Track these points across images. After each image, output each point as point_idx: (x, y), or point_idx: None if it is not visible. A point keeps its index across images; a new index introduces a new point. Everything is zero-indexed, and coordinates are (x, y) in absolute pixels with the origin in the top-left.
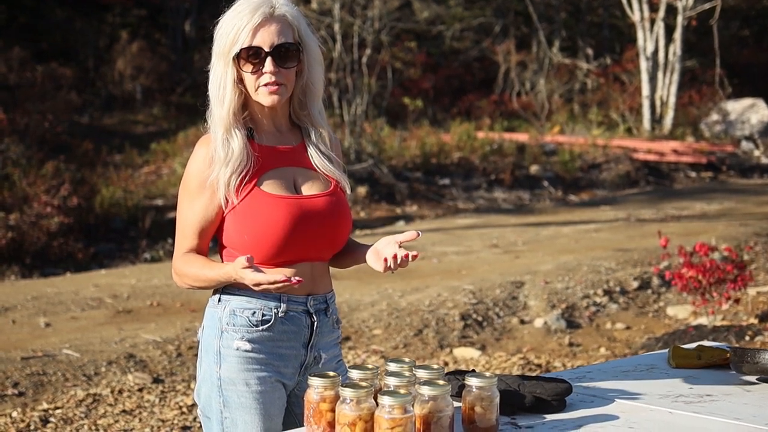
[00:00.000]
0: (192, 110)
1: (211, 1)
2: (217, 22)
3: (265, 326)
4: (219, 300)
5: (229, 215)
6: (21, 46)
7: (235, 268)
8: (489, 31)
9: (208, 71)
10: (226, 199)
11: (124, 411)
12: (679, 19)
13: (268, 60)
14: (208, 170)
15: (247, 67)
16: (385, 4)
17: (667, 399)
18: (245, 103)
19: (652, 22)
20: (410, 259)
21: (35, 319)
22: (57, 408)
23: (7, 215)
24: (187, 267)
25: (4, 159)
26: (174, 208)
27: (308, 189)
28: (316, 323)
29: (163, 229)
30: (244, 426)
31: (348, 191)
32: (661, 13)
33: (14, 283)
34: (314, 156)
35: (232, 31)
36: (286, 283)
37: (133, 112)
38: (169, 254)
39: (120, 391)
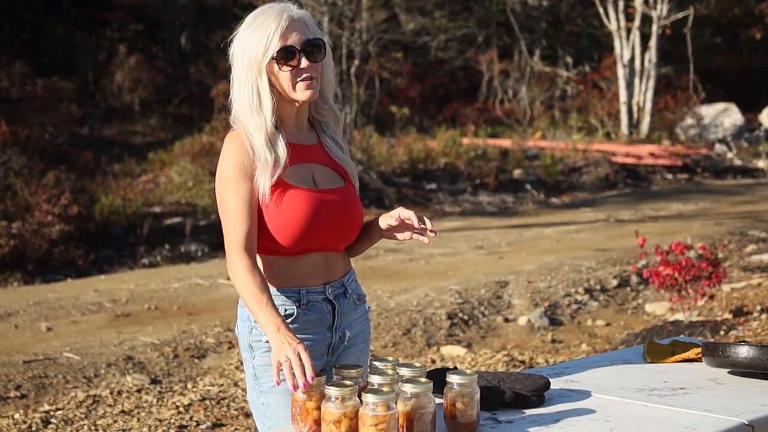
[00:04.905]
0: (188, 121)
1: (206, 15)
2: (231, 40)
3: (289, 320)
4: None
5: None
6: (23, 61)
7: (277, 338)
8: (472, 41)
9: (199, 85)
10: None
11: (122, 411)
12: (654, 27)
13: (303, 57)
14: (246, 159)
15: (285, 68)
16: (372, 17)
17: (642, 393)
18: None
19: (629, 31)
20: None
21: (37, 324)
22: (58, 409)
23: (10, 224)
24: (242, 282)
25: (6, 170)
26: (171, 214)
27: (325, 184)
28: (337, 307)
29: (161, 236)
30: (279, 407)
31: (357, 185)
32: (637, 22)
33: (17, 289)
34: (331, 147)
35: (263, 40)
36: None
37: (131, 123)
38: (167, 259)
39: (119, 392)
